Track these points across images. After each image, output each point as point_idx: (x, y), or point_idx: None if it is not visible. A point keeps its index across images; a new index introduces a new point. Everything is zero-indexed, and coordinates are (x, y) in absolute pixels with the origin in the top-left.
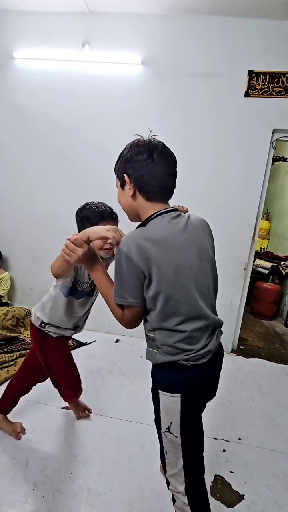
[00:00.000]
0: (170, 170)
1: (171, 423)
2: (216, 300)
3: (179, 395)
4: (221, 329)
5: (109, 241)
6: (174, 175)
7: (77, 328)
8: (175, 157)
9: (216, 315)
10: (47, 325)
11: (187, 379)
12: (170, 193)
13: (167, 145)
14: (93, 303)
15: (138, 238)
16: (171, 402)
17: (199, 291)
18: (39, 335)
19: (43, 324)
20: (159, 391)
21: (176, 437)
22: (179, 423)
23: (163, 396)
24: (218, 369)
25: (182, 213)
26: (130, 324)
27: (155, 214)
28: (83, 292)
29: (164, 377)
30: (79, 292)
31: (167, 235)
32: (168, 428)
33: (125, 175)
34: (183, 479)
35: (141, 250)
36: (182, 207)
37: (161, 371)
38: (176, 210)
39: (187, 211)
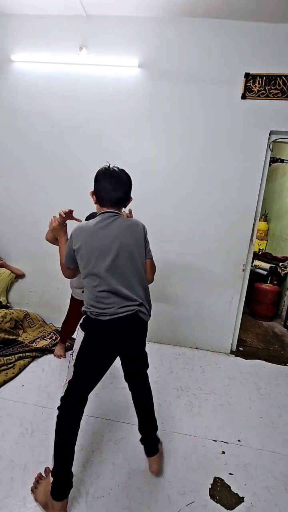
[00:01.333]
0: (115, 186)
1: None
2: (141, 283)
3: (83, 333)
4: (136, 304)
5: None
6: (119, 190)
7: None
8: (122, 178)
9: (136, 292)
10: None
11: (90, 327)
12: (116, 202)
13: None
14: None
15: (77, 226)
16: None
17: (109, 269)
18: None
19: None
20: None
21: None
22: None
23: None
24: (121, 328)
25: (118, 215)
26: (65, 275)
27: (98, 214)
28: None
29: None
30: None
31: (89, 227)
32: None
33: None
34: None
35: (75, 232)
36: (127, 213)
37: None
38: (114, 213)
39: (128, 216)
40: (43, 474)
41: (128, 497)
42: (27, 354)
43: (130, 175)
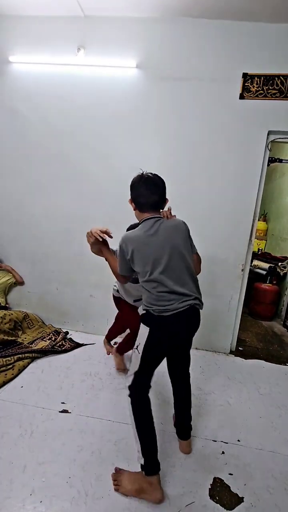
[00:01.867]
0: (153, 190)
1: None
2: (192, 279)
3: (148, 328)
4: (192, 298)
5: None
6: (156, 194)
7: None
8: (157, 181)
9: (190, 288)
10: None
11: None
12: (155, 205)
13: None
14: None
15: (126, 237)
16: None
17: (164, 272)
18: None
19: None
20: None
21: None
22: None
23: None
24: (182, 323)
25: (161, 219)
26: (121, 282)
27: (141, 220)
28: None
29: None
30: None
31: (139, 236)
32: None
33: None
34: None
35: (127, 241)
36: (167, 212)
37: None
38: (156, 217)
39: (167, 216)
40: (117, 470)
41: (128, 498)
42: (26, 355)
43: (127, 176)
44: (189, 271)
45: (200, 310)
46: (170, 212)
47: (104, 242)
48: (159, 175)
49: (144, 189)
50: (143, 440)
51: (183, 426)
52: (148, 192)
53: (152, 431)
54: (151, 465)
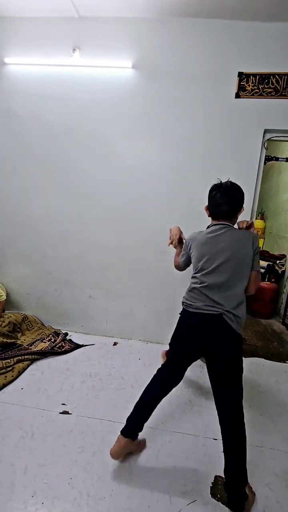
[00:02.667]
0: (223, 200)
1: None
2: (234, 294)
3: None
4: (222, 308)
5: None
6: (227, 204)
7: None
8: (230, 191)
9: (228, 303)
10: None
11: (181, 314)
12: (225, 214)
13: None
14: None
15: (191, 235)
16: None
17: (210, 273)
18: None
19: None
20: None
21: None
22: None
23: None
24: (202, 322)
25: (229, 227)
26: (179, 270)
27: (208, 226)
28: None
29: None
30: None
31: (201, 236)
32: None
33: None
34: None
35: (190, 239)
36: (243, 222)
37: None
38: (224, 225)
39: (243, 227)
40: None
41: (129, 498)
42: (26, 357)
43: (125, 176)
44: (235, 288)
45: (232, 326)
46: (248, 225)
47: (180, 241)
48: (237, 184)
49: (217, 199)
50: (136, 406)
51: (230, 485)
52: (220, 202)
53: (147, 404)
54: (125, 427)
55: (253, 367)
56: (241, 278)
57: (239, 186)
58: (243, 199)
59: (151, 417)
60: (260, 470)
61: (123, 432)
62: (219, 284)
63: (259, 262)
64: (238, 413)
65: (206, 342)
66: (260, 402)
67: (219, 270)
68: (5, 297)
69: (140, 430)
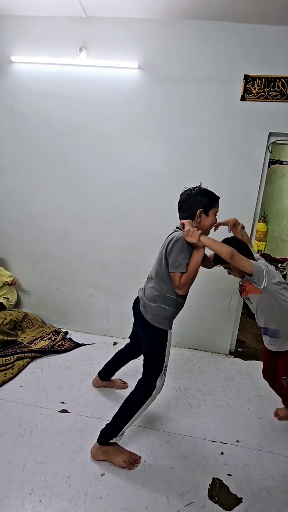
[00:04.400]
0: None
1: None
2: (155, 283)
3: None
4: (143, 297)
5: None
6: (179, 208)
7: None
8: (181, 198)
9: (145, 292)
10: None
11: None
12: (181, 216)
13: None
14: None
15: None
16: None
17: (151, 271)
18: None
19: None
20: None
21: None
22: None
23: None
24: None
25: (177, 230)
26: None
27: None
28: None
29: None
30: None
31: None
32: None
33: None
34: None
35: None
36: (182, 222)
37: None
38: (176, 228)
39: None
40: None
41: (127, 498)
42: (25, 354)
43: (128, 176)
44: (156, 281)
45: (138, 309)
46: (183, 226)
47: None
48: (201, 187)
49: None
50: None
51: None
52: (178, 207)
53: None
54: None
55: (252, 370)
56: (159, 273)
57: (193, 191)
58: (192, 204)
59: (151, 417)
60: (258, 473)
61: (99, 374)
62: (149, 278)
63: (173, 264)
64: (144, 380)
65: (135, 319)
66: (259, 405)
67: (153, 267)
68: (17, 281)
69: (112, 375)
